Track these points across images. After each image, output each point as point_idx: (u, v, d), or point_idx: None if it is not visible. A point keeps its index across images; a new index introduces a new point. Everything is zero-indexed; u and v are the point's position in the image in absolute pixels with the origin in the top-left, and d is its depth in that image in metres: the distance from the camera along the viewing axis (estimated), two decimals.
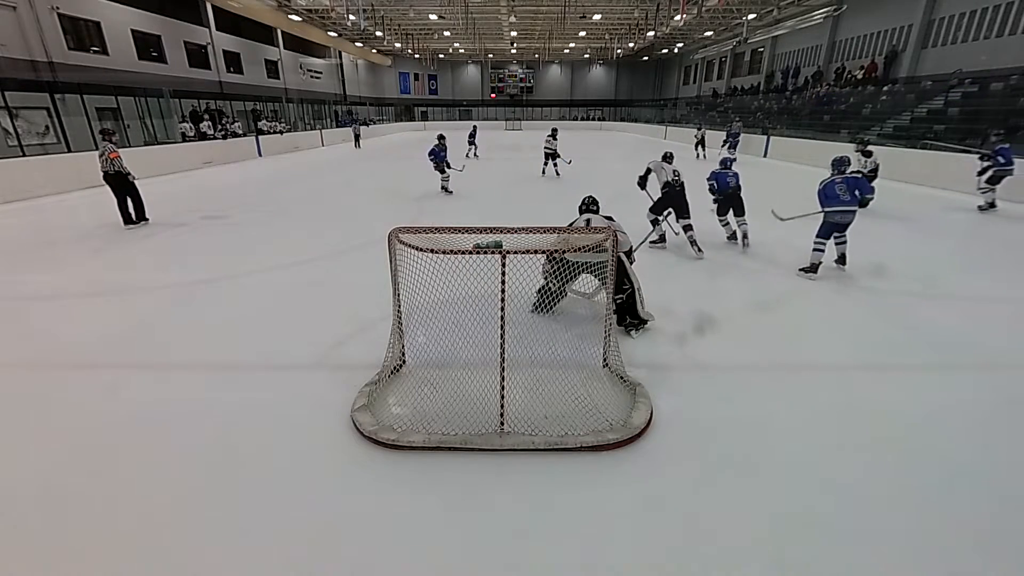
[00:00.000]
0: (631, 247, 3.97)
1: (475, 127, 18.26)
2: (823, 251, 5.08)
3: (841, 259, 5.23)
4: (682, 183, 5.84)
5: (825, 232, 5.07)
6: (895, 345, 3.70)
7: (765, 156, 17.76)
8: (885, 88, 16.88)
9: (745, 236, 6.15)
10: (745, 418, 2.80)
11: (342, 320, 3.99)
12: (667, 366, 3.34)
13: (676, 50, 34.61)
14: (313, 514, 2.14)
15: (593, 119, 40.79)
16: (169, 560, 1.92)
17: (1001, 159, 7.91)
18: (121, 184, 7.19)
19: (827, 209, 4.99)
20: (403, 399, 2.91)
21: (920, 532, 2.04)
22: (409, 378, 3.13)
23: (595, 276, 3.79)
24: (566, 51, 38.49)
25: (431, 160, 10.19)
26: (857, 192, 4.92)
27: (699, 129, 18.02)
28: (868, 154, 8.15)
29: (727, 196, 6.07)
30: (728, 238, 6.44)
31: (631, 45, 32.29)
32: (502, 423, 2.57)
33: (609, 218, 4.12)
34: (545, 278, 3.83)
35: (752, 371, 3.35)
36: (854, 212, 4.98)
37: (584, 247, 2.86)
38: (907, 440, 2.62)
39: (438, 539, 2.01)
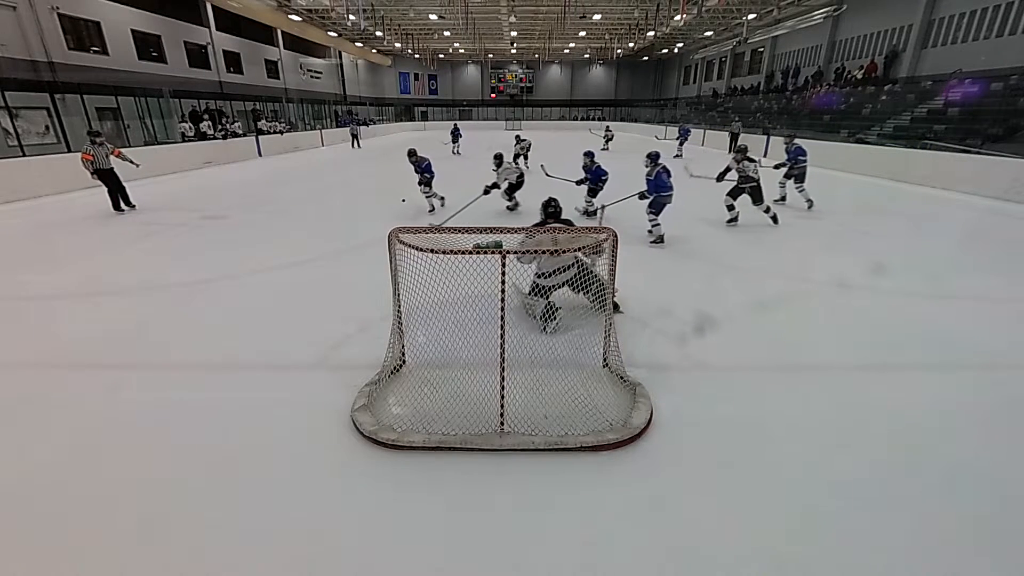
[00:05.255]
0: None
1: (456, 126, 20.12)
2: (660, 223, 6.12)
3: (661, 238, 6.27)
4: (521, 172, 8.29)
5: (657, 210, 6.04)
6: (895, 345, 3.70)
7: (765, 156, 17.75)
8: (885, 88, 16.87)
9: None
10: (745, 418, 2.80)
11: (342, 320, 3.99)
12: (667, 366, 3.33)
13: (676, 50, 34.62)
14: (313, 514, 2.14)
15: (593, 119, 40.73)
16: (169, 560, 1.92)
17: (801, 157, 8.53)
18: (106, 178, 8.23)
19: (660, 194, 5.93)
20: (403, 399, 2.91)
21: (920, 532, 2.04)
22: (409, 378, 3.13)
23: (576, 291, 3.71)
24: (566, 51, 38.46)
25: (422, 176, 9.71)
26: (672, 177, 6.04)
27: (607, 129, 21.48)
28: (752, 160, 7.86)
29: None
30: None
31: (631, 45, 32.27)
32: (502, 423, 2.57)
33: (568, 222, 4.05)
34: (535, 297, 3.82)
35: (752, 371, 3.34)
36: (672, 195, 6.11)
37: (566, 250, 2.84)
38: (907, 440, 2.62)
39: (438, 539, 2.01)
